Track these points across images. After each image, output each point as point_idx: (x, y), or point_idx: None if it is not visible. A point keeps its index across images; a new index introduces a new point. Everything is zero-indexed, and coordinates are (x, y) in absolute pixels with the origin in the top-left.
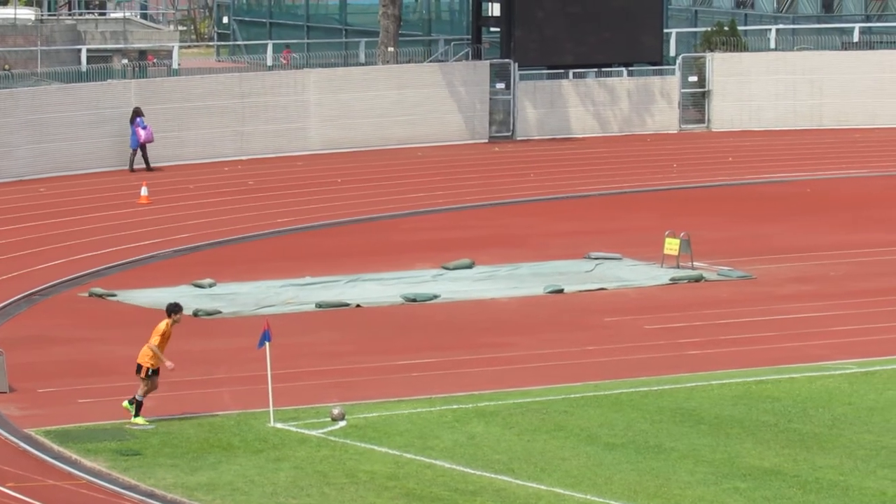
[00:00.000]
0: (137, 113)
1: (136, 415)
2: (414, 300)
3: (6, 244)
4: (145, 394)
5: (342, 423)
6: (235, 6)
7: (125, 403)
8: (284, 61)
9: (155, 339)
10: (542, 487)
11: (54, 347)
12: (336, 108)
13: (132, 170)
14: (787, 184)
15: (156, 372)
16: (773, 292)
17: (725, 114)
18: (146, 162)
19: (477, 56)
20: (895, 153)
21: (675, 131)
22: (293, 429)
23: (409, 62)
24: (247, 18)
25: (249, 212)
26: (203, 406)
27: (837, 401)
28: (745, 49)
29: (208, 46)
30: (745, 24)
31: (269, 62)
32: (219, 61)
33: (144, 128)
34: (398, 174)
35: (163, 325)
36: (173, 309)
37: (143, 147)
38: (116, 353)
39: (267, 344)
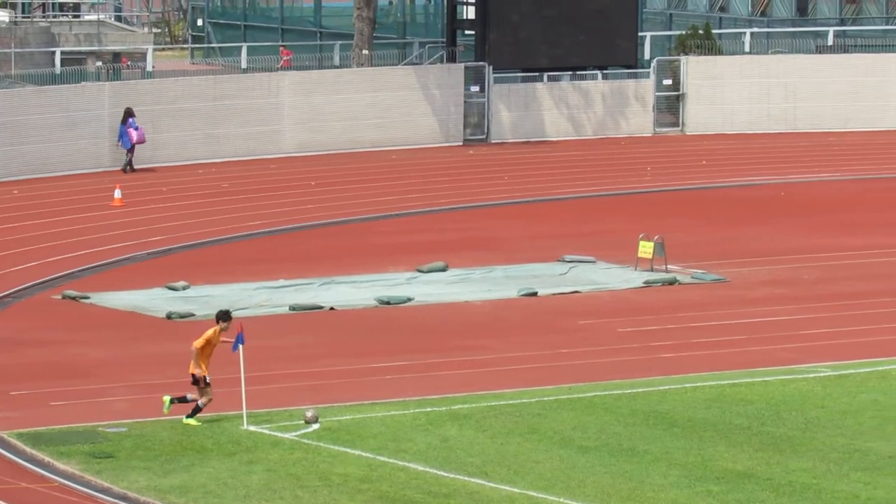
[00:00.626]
0: (129, 114)
1: (191, 416)
2: (388, 303)
3: None
4: (206, 403)
5: (315, 426)
6: (210, 9)
7: (166, 399)
8: (285, 62)
9: (199, 342)
10: (516, 490)
11: (27, 350)
12: (309, 111)
13: (132, 169)
14: (761, 187)
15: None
16: (747, 295)
17: (699, 117)
18: (129, 164)
19: (451, 59)
20: (869, 157)
21: (650, 134)
22: (266, 431)
23: (383, 65)
24: (221, 21)
25: (223, 214)
26: (177, 409)
27: (810, 404)
28: (719, 52)
29: (183, 49)
30: (720, 28)
31: (244, 64)
32: (193, 64)
33: (136, 129)
34: (372, 177)
35: (210, 331)
36: (222, 316)
37: (132, 148)
38: (89, 355)
39: (240, 347)
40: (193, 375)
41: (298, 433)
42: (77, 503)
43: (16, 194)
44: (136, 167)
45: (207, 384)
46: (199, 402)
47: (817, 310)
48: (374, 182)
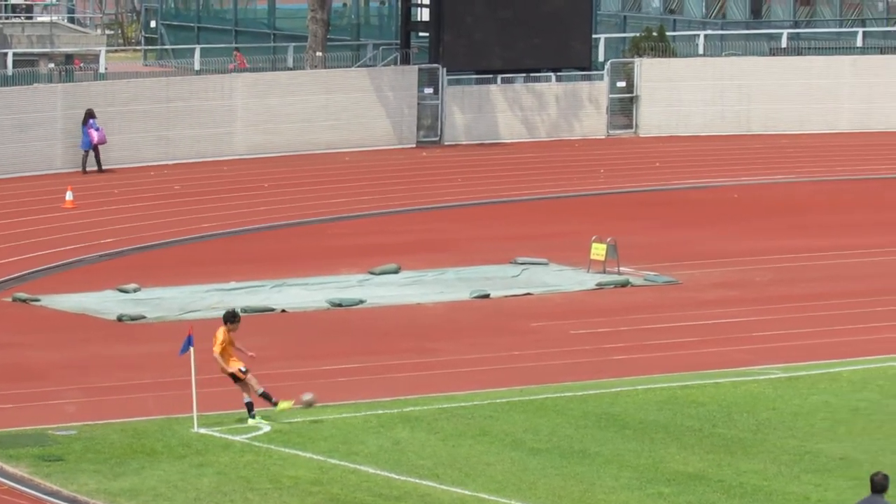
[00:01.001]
0: (90, 115)
1: (251, 416)
2: (339, 305)
3: None
4: (251, 394)
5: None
6: (163, 10)
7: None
8: (239, 64)
9: (217, 348)
10: (467, 493)
11: None
12: (263, 113)
13: (84, 171)
14: (714, 189)
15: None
16: (699, 297)
17: (653, 119)
18: (98, 163)
19: (405, 61)
20: (822, 159)
21: (603, 136)
22: (217, 434)
23: (337, 67)
24: (175, 22)
25: (175, 216)
26: (127, 411)
27: (762, 406)
28: (673, 54)
29: (136, 51)
30: (674, 30)
31: (197, 66)
32: (146, 66)
33: (97, 129)
34: (325, 179)
35: (220, 334)
36: (229, 318)
37: (95, 149)
38: (40, 358)
39: (191, 349)
40: (231, 375)
41: (249, 436)
42: None
43: None
44: (87, 169)
45: (245, 372)
46: (244, 399)
47: (769, 312)
48: (327, 184)
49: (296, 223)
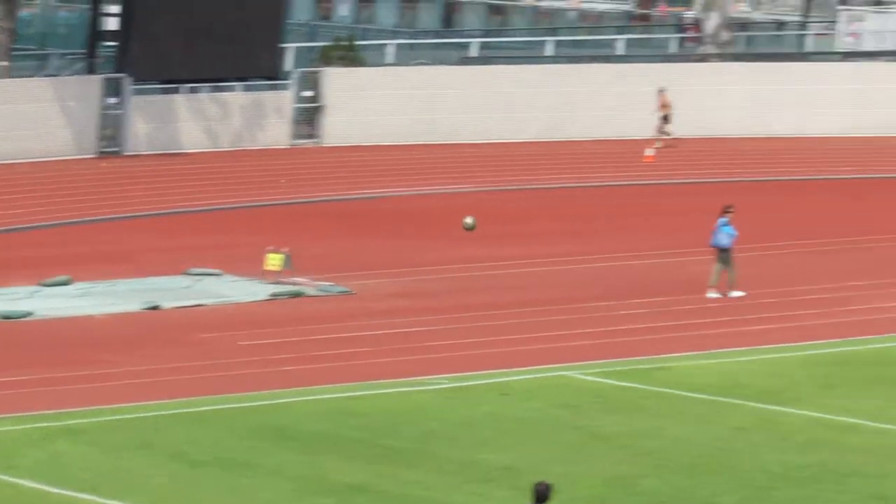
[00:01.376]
0: None
1: None
2: (7, 318)
3: None
4: None
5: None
6: None
7: None
8: None
9: None
10: None
11: None
12: None
13: None
14: (394, 199)
15: None
16: (372, 307)
17: (338, 129)
18: None
19: (90, 70)
20: (507, 168)
21: (286, 146)
22: None
23: (21, 77)
24: None
25: None
26: None
27: (429, 416)
28: (362, 64)
29: None
30: (366, 39)
31: None
32: None
33: None
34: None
35: None
36: None
37: None
38: None
39: None
40: None
41: None
42: None
43: None
44: None
45: None
46: None
47: (442, 322)
48: (1, 196)
49: None
